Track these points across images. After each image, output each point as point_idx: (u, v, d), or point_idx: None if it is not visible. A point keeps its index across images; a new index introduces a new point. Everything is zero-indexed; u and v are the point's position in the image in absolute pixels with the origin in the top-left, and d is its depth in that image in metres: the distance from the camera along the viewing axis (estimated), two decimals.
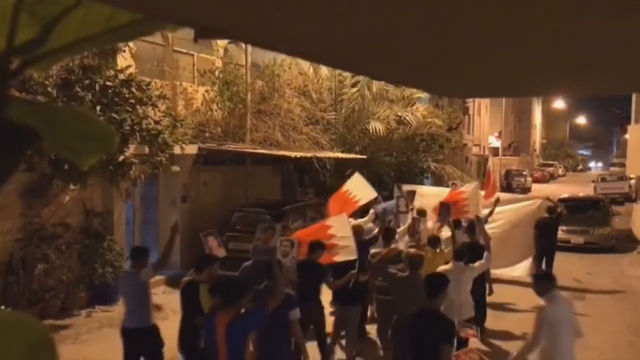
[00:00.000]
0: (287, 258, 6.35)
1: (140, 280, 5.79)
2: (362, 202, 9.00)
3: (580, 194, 24.73)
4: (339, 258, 6.98)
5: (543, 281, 5.17)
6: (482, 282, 7.65)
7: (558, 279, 11.82)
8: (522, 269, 10.88)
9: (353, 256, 7.04)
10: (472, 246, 7.26)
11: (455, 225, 8.59)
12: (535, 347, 4.96)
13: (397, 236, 7.93)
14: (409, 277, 5.97)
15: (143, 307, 5.86)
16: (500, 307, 9.79)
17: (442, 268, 6.20)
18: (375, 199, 9.87)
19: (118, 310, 9.55)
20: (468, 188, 10.51)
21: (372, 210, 9.43)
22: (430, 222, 9.47)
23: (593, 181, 35.54)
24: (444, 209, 9.06)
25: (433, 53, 0.78)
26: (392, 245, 7.41)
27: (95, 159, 0.62)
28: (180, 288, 5.61)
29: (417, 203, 10.19)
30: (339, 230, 7.13)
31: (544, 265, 11.73)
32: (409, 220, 8.99)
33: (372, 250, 7.37)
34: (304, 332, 6.12)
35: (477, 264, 6.71)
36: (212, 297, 4.68)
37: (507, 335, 8.47)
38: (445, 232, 8.65)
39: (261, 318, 4.38)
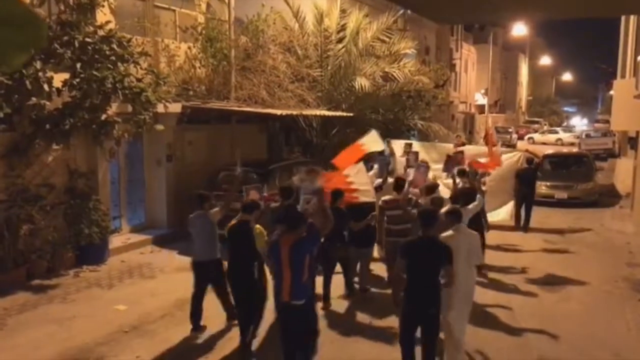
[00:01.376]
0: (310, 204, 7.15)
1: (209, 220, 6.67)
2: (367, 151, 9.59)
3: (565, 150, 24.95)
4: (360, 200, 8.19)
5: (452, 216, 5.92)
6: (478, 220, 8.32)
7: (542, 232, 12.37)
8: (503, 213, 11.88)
9: (372, 198, 8.40)
10: (466, 191, 8.26)
11: (459, 174, 9.56)
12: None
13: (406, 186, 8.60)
14: None
15: (210, 242, 6.69)
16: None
17: (442, 211, 6.59)
18: (382, 153, 10.91)
19: (106, 270, 9.57)
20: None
21: (376, 165, 10.64)
22: (439, 174, 10.60)
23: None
24: (451, 162, 10.47)
25: None
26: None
27: (24, 57, 0.55)
28: (229, 229, 6.28)
29: (426, 157, 11.25)
30: (357, 178, 8.36)
31: (523, 211, 12.58)
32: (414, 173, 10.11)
33: (385, 197, 8.29)
34: (329, 267, 7.74)
35: (470, 205, 7.47)
36: (279, 224, 5.59)
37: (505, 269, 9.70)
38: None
39: (317, 242, 5.33)
